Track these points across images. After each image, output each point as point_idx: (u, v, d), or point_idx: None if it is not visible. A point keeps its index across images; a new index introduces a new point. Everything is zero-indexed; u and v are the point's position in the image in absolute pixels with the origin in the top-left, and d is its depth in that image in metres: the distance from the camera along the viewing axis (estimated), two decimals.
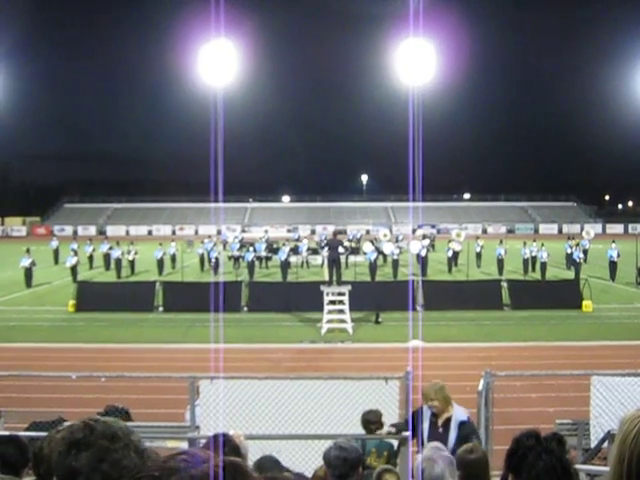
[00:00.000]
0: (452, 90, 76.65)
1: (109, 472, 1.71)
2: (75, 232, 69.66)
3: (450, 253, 33.27)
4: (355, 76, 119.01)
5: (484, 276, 29.77)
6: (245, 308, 22.03)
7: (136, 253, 33.19)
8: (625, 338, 17.52)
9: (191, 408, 7.12)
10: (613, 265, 29.48)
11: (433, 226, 70.18)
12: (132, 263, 32.63)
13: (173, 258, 34.63)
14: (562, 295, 22.52)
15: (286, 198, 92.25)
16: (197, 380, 7.16)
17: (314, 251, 36.86)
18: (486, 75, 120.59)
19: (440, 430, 5.83)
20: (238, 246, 35.72)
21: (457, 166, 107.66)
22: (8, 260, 36.20)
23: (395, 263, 30.28)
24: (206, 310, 18.45)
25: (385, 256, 33.94)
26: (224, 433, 3.92)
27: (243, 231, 66.70)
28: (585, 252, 33.70)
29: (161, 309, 22.16)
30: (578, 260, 29.73)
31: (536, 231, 74.57)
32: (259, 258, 34.00)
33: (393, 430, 6.18)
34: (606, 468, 2.13)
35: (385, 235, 34.61)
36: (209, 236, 38.63)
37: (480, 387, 7.06)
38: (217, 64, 29.50)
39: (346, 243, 32.28)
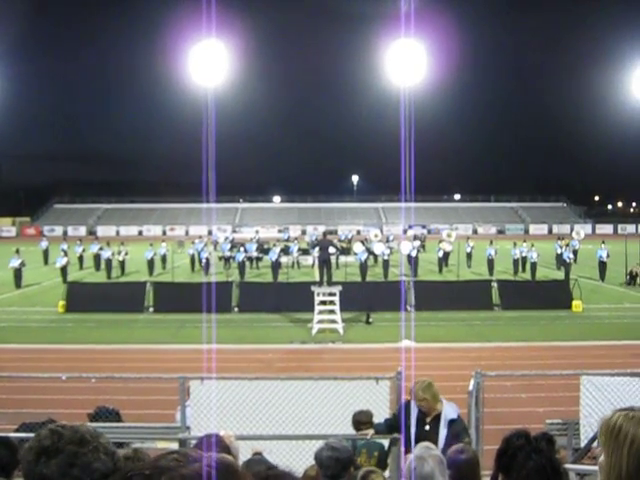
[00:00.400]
0: (443, 91, 76.87)
1: (80, 476, 1.71)
2: (65, 232, 69.37)
3: (441, 253, 33.36)
4: (346, 77, 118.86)
5: (474, 276, 29.87)
6: (236, 308, 22.00)
7: (126, 254, 33.09)
8: (615, 338, 17.64)
9: (182, 409, 7.09)
10: (603, 265, 29.65)
11: (424, 226, 70.41)
12: (122, 264, 32.53)
13: (164, 258, 34.53)
14: (552, 295, 22.63)
15: (277, 198, 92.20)
16: (187, 381, 7.13)
17: (305, 251, 36.84)
18: (477, 76, 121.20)
19: (427, 427, 5.82)
20: (229, 246, 35.72)
21: (448, 167, 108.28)
22: None
23: (386, 263, 30.33)
24: (197, 310, 18.42)
25: (376, 256, 34.00)
26: (215, 434, 3.91)
27: (234, 231, 66.72)
28: (575, 252, 33.87)
29: (151, 310, 22.09)
30: (568, 260, 29.86)
31: (526, 231, 74.98)
32: (250, 258, 33.96)
33: (372, 432, 6.21)
34: (595, 467, 2.14)
35: (376, 235, 34.71)
36: (200, 236, 38.63)
37: (470, 387, 7.08)
38: (208, 64, 29.49)
39: (336, 243, 32.30)
